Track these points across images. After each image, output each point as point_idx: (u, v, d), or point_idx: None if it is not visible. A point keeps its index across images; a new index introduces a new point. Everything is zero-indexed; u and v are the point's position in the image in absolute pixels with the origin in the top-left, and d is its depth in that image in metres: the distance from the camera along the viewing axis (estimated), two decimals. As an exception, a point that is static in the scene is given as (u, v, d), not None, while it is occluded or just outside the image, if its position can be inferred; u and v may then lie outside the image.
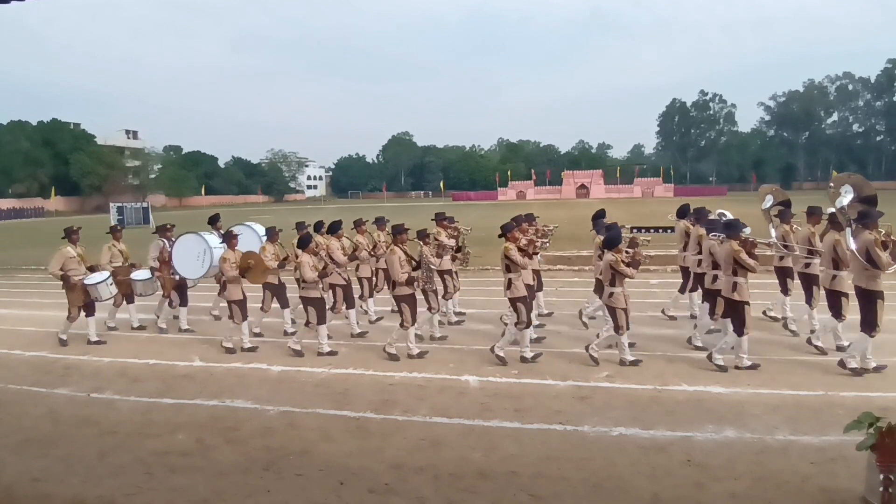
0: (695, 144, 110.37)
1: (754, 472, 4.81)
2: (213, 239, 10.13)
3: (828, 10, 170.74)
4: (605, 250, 7.85)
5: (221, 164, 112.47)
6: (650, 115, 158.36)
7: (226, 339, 8.94)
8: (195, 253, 9.99)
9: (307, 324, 8.56)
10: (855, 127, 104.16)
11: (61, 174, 76.11)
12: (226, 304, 9.29)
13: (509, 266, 7.90)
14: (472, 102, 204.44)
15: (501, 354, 7.94)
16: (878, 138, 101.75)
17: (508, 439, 5.62)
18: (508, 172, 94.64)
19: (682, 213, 10.01)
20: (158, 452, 5.51)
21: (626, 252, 7.88)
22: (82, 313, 9.49)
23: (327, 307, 9.04)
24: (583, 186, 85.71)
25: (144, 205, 48.11)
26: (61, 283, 9.39)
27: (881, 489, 3.99)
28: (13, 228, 44.22)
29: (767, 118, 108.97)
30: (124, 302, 10.48)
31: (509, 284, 7.95)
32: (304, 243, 8.61)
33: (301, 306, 8.94)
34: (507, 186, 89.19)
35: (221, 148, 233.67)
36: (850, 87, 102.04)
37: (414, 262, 8.36)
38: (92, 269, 9.66)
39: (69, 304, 9.36)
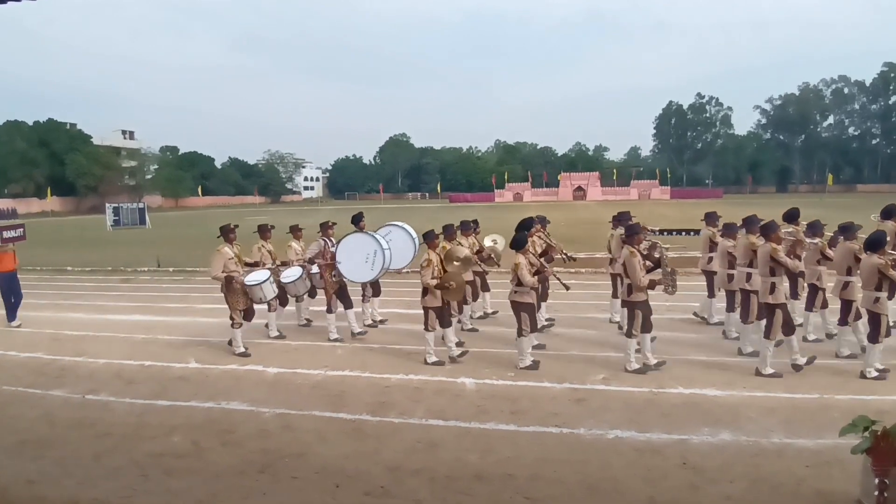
0: (691, 147, 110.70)
1: (750, 475, 4.82)
2: (383, 239, 9.47)
3: (824, 13, 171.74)
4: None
5: (218, 164, 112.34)
6: (647, 117, 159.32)
7: (428, 353, 8.10)
8: (363, 254, 9.19)
9: (520, 334, 7.79)
10: (851, 130, 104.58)
11: (57, 174, 75.87)
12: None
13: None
14: (469, 104, 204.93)
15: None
16: (873, 141, 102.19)
17: (505, 441, 5.62)
18: (505, 174, 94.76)
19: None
20: (154, 454, 5.50)
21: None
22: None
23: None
24: (579, 188, 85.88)
25: (141, 205, 48.00)
26: (221, 285, 8.79)
27: (876, 493, 4.00)
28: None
29: (763, 121, 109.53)
30: (279, 306, 10.02)
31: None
32: (520, 244, 7.90)
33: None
34: (503, 188, 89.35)
35: (218, 149, 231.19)
36: (846, 90, 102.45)
37: (650, 264, 7.70)
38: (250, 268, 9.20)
39: (231, 309, 8.74)
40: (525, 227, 8.72)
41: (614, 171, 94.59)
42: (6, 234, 11.93)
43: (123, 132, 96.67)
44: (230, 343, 8.95)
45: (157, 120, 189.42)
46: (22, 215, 65.52)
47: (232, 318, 8.75)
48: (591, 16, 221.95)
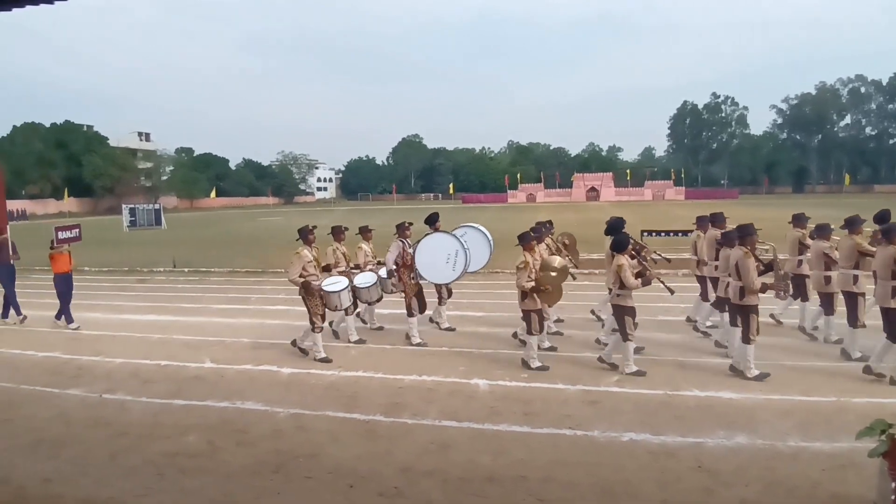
0: (706, 147, 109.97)
1: (765, 478, 4.77)
2: (466, 240, 9.26)
3: (839, 13, 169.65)
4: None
5: (232, 166, 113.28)
6: (661, 117, 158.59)
7: (528, 358, 7.84)
8: (444, 255, 8.97)
9: (625, 339, 7.47)
10: (868, 130, 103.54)
11: (74, 176, 76.75)
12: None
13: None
14: (481, 105, 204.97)
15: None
16: (890, 141, 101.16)
17: (517, 443, 5.61)
18: (518, 175, 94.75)
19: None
20: (169, 454, 5.54)
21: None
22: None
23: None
24: (593, 189, 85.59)
25: (156, 206, 48.44)
26: (300, 289, 8.48)
27: (893, 497, 3.95)
28: (22, 229, 44.56)
29: (779, 121, 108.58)
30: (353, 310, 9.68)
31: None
32: (622, 246, 7.63)
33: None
34: (516, 189, 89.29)
35: (232, 150, 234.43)
36: (863, 89, 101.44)
37: (762, 267, 7.42)
38: (326, 271, 8.98)
39: (311, 314, 8.42)
40: (617, 227, 8.50)
41: (628, 171, 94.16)
42: (62, 235, 11.93)
43: (139, 134, 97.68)
44: (294, 344, 8.82)
45: (172, 122, 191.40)
46: (39, 216, 66.44)
47: (312, 323, 8.42)
48: (602, 16, 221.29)
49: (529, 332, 7.87)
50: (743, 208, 44.00)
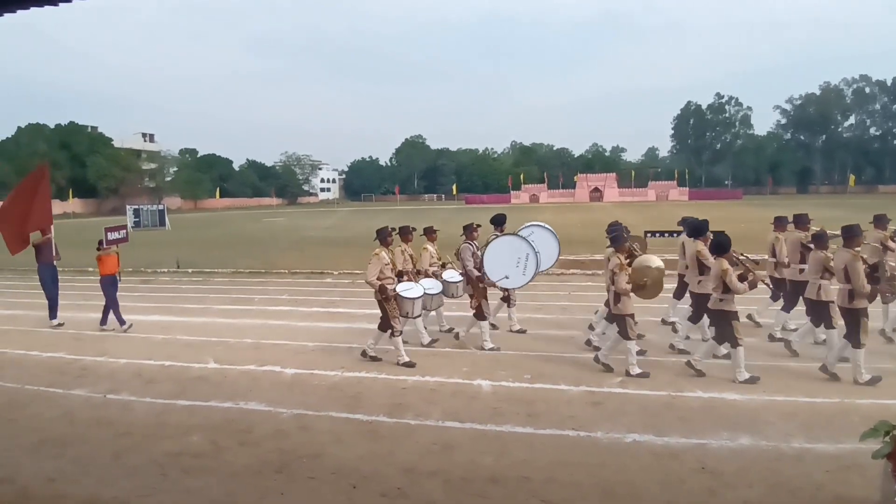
0: (710, 147, 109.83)
1: (768, 480, 4.77)
2: (534, 240, 9.02)
3: (843, 13, 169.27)
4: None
5: (236, 166, 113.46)
6: (664, 117, 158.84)
7: (631, 368, 7.44)
8: (514, 258, 8.73)
9: (734, 344, 7.18)
10: (872, 130, 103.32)
11: (78, 177, 76.96)
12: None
13: None
14: (485, 105, 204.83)
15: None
16: (895, 141, 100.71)
17: (520, 444, 5.61)
18: (521, 175, 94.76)
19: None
20: (172, 454, 5.55)
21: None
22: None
23: None
24: (596, 190, 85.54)
25: (160, 207, 48.55)
26: (376, 293, 8.22)
27: (897, 498, 3.94)
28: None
29: (784, 121, 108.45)
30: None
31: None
32: (722, 248, 7.36)
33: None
34: (520, 189, 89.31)
35: (236, 151, 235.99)
36: (867, 89, 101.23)
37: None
38: (399, 276, 8.61)
39: (390, 318, 8.16)
40: (703, 229, 8.35)
41: (632, 172, 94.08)
42: (111, 236, 11.74)
43: (143, 135, 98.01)
44: (364, 354, 8.41)
45: (176, 123, 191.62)
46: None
47: (392, 327, 8.15)
48: (605, 16, 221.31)
49: (627, 338, 7.46)
50: (747, 209, 43.87)
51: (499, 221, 9.59)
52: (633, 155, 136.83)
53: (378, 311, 8.38)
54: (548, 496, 4.63)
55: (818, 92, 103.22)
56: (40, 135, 78.00)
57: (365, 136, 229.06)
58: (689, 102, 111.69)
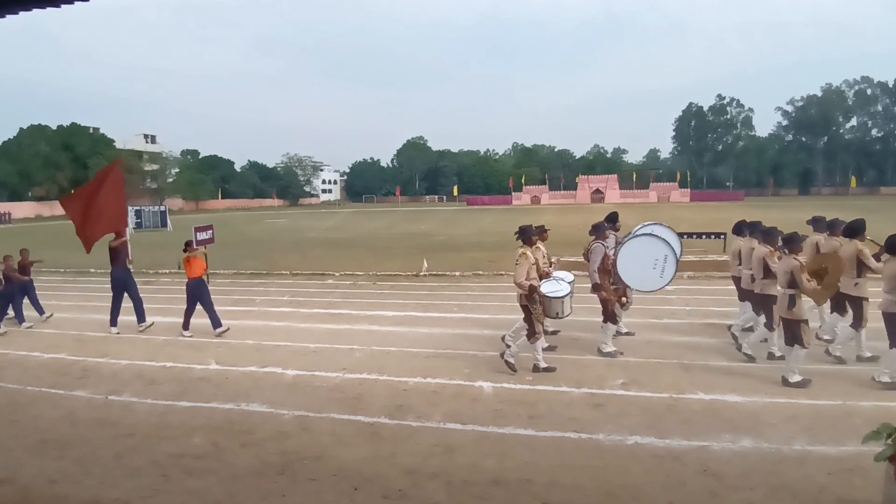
0: (712, 149, 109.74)
1: (770, 482, 4.76)
2: (675, 241, 8.64)
3: (845, 14, 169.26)
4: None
5: (237, 168, 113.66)
6: (666, 119, 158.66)
7: (790, 375, 7.00)
8: (651, 259, 8.24)
9: (806, 345, 6.96)
10: (874, 132, 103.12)
11: (80, 178, 76.86)
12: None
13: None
14: (486, 106, 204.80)
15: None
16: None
17: (522, 446, 5.60)
18: (523, 177, 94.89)
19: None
20: (174, 455, 5.56)
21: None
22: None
23: None
24: (598, 191, 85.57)
25: (162, 208, 48.61)
26: (521, 294, 7.78)
27: (900, 501, 3.93)
28: (30, 231, 44.78)
29: (785, 123, 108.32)
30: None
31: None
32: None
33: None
34: (521, 191, 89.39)
35: (238, 152, 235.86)
36: (869, 91, 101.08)
37: None
38: (540, 277, 8.13)
39: (535, 321, 7.77)
40: (858, 229, 8.02)
41: (633, 173, 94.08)
42: (200, 237, 11.38)
43: (145, 136, 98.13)
44: (507, 364, 7.80)
45: (177, 124, 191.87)
46: (45, 218, 66.75)
47: (534, 331, 7.77)
48: (606, 17, 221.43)
49: (801, 344, 6.97)
50: (749, 210, 43.84)
51: (613, 220, 9.21)
52: (634, 156, 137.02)
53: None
54: (550, 498, 4.63)
55: (820, 93, 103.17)
56: (42, 136, 78.12)
57: (366, 138, 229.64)
58: (690, 104, 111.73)
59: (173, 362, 8.68)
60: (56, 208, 72.58)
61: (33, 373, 8.40)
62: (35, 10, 4.73)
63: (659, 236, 8.55)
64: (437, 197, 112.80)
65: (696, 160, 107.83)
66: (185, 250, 10.66)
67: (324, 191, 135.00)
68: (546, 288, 8.00)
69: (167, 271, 18.90)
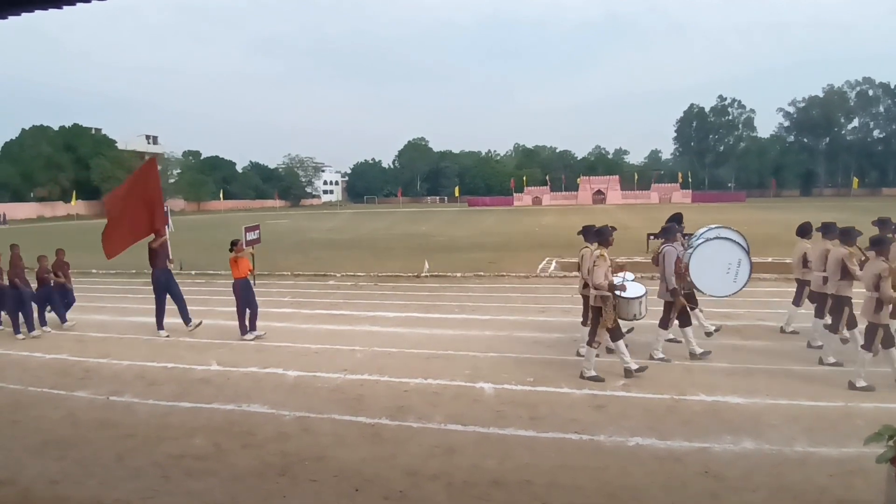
0: (713, 150, 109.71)
1: (771, 484, 4.75)
2: (743, 244, 8.36)
3: (846, 15, 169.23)
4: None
5: (239, 168, 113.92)
6: (667, 120, 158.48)
7: (854, 378, 6.89)
8: (724, 264, 8.04)
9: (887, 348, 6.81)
10: (875, 133, 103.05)
11: (82, 178, 77.24)
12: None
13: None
14: (487, 108, 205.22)
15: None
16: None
17: (523, 447, 5.60)
18: (524, 178, 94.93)
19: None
20: (175, 456, 5.56)
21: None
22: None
23: None
24: (599, 192, 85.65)
25: (164, 209, 48.51)
26: (596, 297, 7.54)
27: (902, 503, 3.92)
28: (32, 232, 44.82)
29: (787, 124, 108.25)
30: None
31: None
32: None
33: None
34: (522, 192, 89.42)
35: (239, 153, 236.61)
36: (871, 92, 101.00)
37: None
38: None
39: (603, 324, 7.49)
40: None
41: (635, 174, 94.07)
42: (250, 237, 11.15)
43: (147, 137, 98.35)
44: (584, 375, 7.51)
45: (179, 125, 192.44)
46: (47, 219, 66.83)
47: (597, 338, 7.54)
48: (608, 19, 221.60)
49: (887, 347, 6.78)
50: (751, 212, 43.87)
51: (678, 220, 8.93)
52: (635, 157, 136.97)
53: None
54: (550, 500, 4.62)
55: (821, 94, 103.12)
56: (44, 136, 78.28)
57: (368, 139, 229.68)
58: (691, 105, 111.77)
59: (174, 363, 8.69)
60: (58, 209, 72.86)
61: (35, 373, 8.41)
62: (36, 11, 4.74)
63: (733, 240, 8.38)
64: (438, 198, 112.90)
65: (698, 161, 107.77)
66: (230, 250, 10.35)
67: (325, 192, 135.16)
68: (627, 290, 7.68)
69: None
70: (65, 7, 4.50)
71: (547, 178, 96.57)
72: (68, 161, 77.55)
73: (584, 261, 8.15)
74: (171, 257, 11.13)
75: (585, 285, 8.10)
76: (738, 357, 8.17)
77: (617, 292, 7.48)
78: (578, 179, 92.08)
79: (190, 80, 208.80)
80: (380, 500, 4.69)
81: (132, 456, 5.59)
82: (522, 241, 27.54)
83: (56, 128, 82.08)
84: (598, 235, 7.81)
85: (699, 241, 8.41)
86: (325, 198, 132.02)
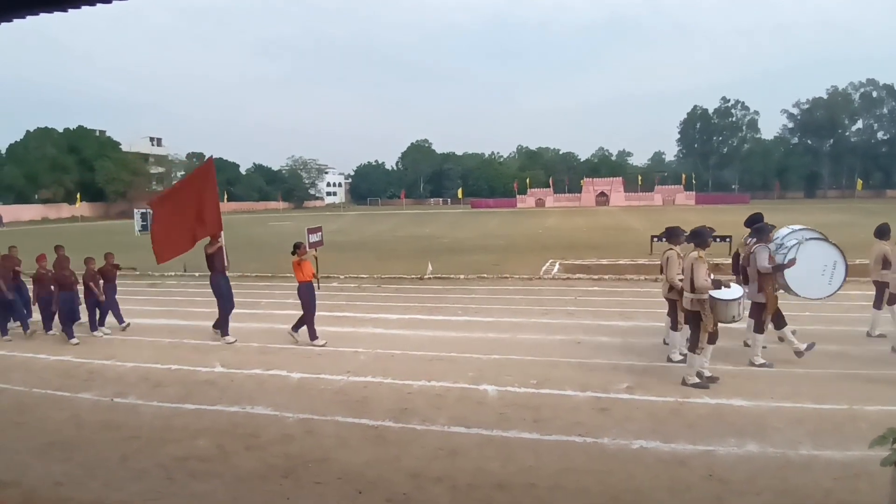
0: (717, 152, 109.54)
1: (776, 487, 4.74)
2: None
3: (850, 16, 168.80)
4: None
5: (243, 170, 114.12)
6: (671, 121, 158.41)
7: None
8: (819, 265, 7.88)
9: None
10: (880, 134, 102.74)
11: (87, 180, 77.44)
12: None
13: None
14: (490, 109, 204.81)
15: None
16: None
17: (527, 450, 5.59)
18: (527, 180, 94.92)
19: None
20: (179, 458, 5.56)
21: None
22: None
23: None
24: (602, 194, 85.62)
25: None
26: (693, 301, 7.27)
27: (907, 507, 3.91)
28: (35, 234, 44.95)
29: (791, 125, 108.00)
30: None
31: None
32: None
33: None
34: (525, 194, 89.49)
35: (242, 155, 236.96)
36: (875, 93, 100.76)
37: None
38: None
39: (704, 329, 7.25)
40: None
41: (638, 176, 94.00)
42: (313, 238, 10.86)
43: (151, 139, 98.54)
44: (686, 382, 7.20)
45: (183, 127, 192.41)
46: (52, 220, 67.00)
47: (698, 342, 7.22)
48: (611, 20, 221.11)
49: None
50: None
51: (756, 221, 8.64)
52: (639, 159, 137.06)
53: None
54: (554, 503, 4.62)
55: (825, 96, 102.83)
56: (49, 138, 78.53)
57: (371, 141, 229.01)
58: (695, 106, 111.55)
59: (179, 365, 8.70)
60: (62, 211, 73.02)
61: (39, 375, 8.43)
62: (42, 14, 4.76)
63: (829, 241, 8.24)
64: (441, 200, 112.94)
65: (702, 163, 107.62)
66: (293, 252, 10.08)
67: (329, 193, 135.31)
68: (724, 292, 7.37)
69: (172, 273, 18.96)
70: (70, 10, 4.52)
71: (550, 179, 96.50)
72: (73, 163, 77.79)
73: (670, 263, 7.89)
74: (227, 262, 10.70)
75: (671, 289, 7.94)
76: (742, 360, 8.13)
77: (716, 294, 7.17)
78: (582, 181, 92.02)
79: (194, 82, 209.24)
80: (383, 503, 4.69)
81: (136, 457, 5.60)
82: (526, 243, 27.58)
83: (61, 130, 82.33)
84: (696, 237, 7.46)
85: (793, 242, 8.15)
86: (329, 200, 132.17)
